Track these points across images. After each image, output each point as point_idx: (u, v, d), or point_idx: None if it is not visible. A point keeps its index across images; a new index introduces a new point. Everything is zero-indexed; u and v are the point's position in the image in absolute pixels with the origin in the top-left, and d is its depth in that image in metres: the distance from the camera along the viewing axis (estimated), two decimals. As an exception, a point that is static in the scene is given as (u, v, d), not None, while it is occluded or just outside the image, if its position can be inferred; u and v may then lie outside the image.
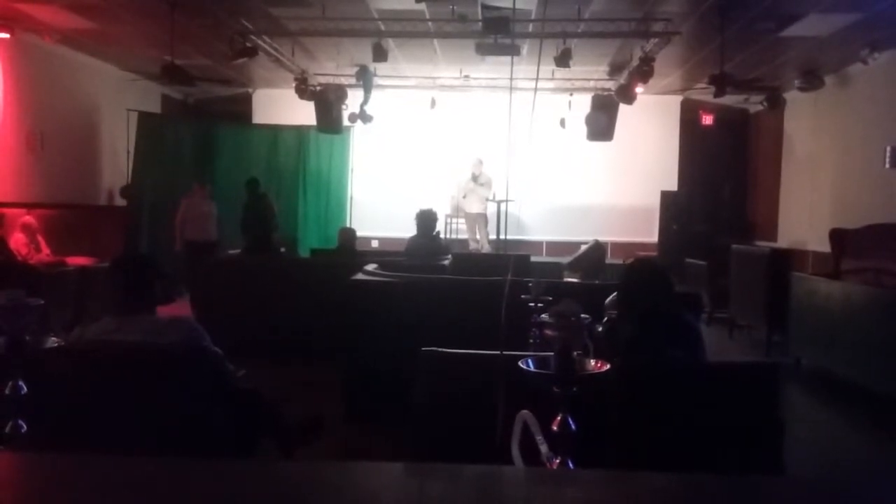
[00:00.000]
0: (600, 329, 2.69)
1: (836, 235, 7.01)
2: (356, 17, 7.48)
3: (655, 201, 11.20)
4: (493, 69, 9.83)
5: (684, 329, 2.80)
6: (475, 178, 10.52)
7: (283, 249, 8.19)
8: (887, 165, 7.88)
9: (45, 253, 7.35)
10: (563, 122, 10.63)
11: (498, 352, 1.72)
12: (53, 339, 1.71)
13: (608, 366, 1.36)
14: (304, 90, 9.89)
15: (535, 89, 8.93)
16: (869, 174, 8.28)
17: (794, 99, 10.17)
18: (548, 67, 8.61)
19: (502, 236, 10.12)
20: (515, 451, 1.43)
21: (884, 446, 4.56)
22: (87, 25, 7.79)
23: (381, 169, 11.69)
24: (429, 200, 9.89)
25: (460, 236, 10.90)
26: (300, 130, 11.00)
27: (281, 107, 11.21)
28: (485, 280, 4.29)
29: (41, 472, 1.09)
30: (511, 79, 9.48)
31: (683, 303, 3.39)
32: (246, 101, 11.99)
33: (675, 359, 2.65)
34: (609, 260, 9.97)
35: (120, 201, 10.11)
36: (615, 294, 2.96)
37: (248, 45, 7.81)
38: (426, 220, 6.85)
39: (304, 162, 11.17)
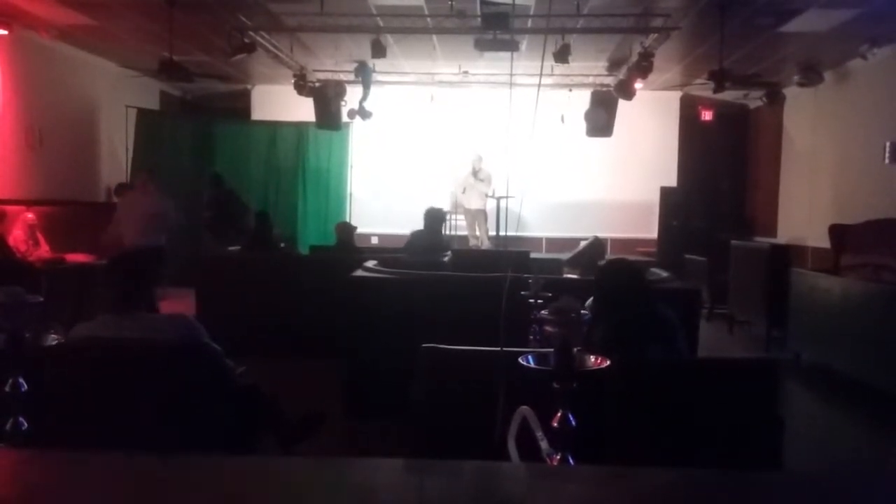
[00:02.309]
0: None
1: (836, 231, 7.01)
2: (355, 12, 7.47)
3: (655, 197, 11.19)
4: (491, 65, 9.82)
5: (662, 326, 2.81)
6: (475, 174, 10.51)
7: (282, 245, 8.19)
8: (887, 161, 7.88)
9: (45, 250, 7.35)
10: (562, 118, 10.63)
11: (498, 348, 1.72)
12: (53, 336, 1.70)
13: (608, 362, 1.36)
14: (302, 86, 9.87)
15: (539, 85, 8.88)
16: (868, 170, 8.28)
17: (794, 94, 10.16)
18: (546, 63, 8.59)
19: (502, 232, 10.12)
20: (512, 446, 1.43)
21: (883, 441, 4.57)
22: (86, 22, 7.77)
23: (381, 165, 11.69)
24: (428, 196, 9.89)
25: (460, 232, 10.90)
26: (299, 127, 10.99)
27: (280, 103, 11.19)
28: (484, 276, 4.28)
29: (42, 469, 1.09)
30: (511, 74, 9.47)
31: (668, 300, 3.40)
32: (245, 97, 11.97)
33: (655, 356, 2.66)
34: (608, 256, 9.97)
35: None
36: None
37: (247, 41, 7.79)
38: (434, 218, 6.85)
39: (304, 158, 11.16)
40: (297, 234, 10.77)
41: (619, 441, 2.20)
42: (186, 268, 7.01)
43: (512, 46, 7.86)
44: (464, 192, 10.64)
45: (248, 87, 11.87)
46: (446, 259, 6.23)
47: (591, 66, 9.90)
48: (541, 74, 8.88)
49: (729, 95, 10.53)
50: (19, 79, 8.08)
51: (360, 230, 8.45)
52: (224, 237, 7.87)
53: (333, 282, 4.79)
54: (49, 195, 8.31)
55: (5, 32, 7.56)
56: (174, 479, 1.03)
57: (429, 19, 7.70)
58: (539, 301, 2.77)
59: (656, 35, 7.63)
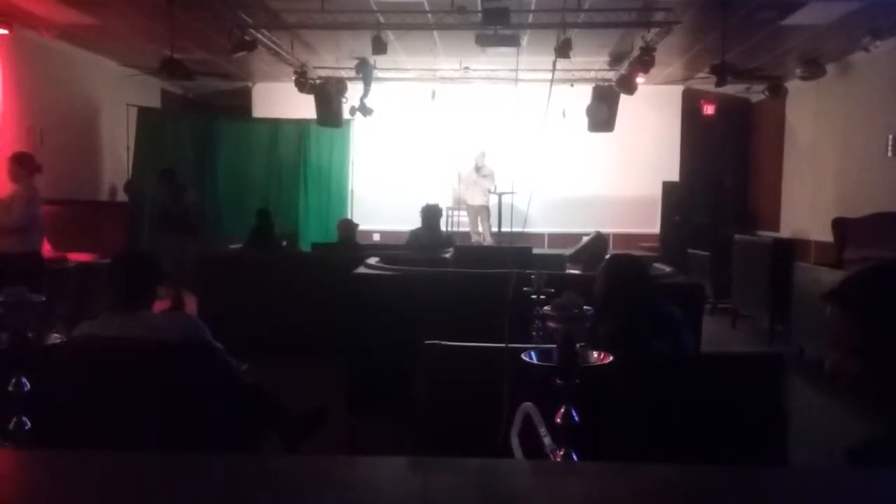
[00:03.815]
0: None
1: (839, 224, 7.00)
2: (355, 9, 7.46)
3: (657, 192, 11.17)
4: (493, 61, 9.80)
5: (667, 321, 2.81)
6: (478, 170, 10.50)
7: (284, 243, 8.19)
8: (889, 154, 7.86)
9: (46, 249, 7.34)
10: (564, 113, 10.61)
11: (502, 344, 1.71)
12: (56, 335, 1.70)
13: (611, 358, 1.36)
14: (303, 83, 9.86)
15: (552, 80, 8.88)
16: (871, 163, 8.25)
17: (796, 88, 10.14)
18: (548, 58, 8.59)
19: (505, 228, 10.11)
20: (515, 442, 1.43)
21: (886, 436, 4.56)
22: (86, 21, 7.77)
23: (382, 162, 11.68)
24: (430, 193, 9.88)
25: (462, 229, 10.89)
26: (300, 124, 10.99)
27: (281, 100, 11.19)
28: (487, 272, 4.28)
29: (45, 468, 1.09)
30: (517, 70, 9.45)
31: (671, 295, 3.39)
32: (245, 94, 11.97)
33: (659, 351, 2.66)
34: (611, 251, 9.96)
35: (122, 196, 10.13)
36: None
37: (247, 38, 7.79)
38: (431, 214, 6.87)
39: (305, 156, 11.15)
40: (299, 231, 10.77)
41: (622, 437, 2.20)
42: (187, 266, 7.02)
43: (513, 42, 7.85)
44: (466, 188, 10.64)
45: (249, 84, 11.86)
46: (448, 255, 6.23)
47: (592, 61, 9.88)
48: (553, 70, 8.88)
49: (731, 89, 10.50)
50: (20, 78, 8.07)
51: (361, 227, 8.45)
52: (173, 234, 7.84)
53: (335, 279, 4.79)
54: (50, 194, 8.27)
55: (6, 32, 7.56)
56: (177, 478, 1.03)
57: (429, 15, 7.69)
58: (542, 297, 2.77)
59: (658, 29, 7.60)
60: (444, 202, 10.16)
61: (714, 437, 2.31)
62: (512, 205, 9.92)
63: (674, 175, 11.50)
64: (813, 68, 9.10)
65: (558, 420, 1.30)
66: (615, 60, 9.71)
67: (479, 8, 7.13)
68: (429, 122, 11.50)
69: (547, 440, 1.35)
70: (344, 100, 10.49)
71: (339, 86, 10.31)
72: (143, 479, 1.03)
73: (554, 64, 8.45)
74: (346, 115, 10.63)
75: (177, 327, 2.71)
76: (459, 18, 7.53)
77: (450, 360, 2.44)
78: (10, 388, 1.45)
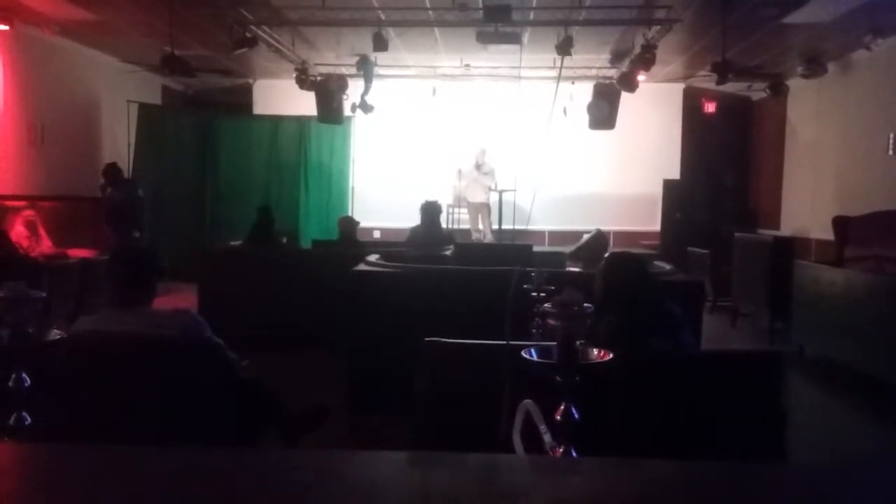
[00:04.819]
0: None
1: (839, 223, 6.99)
2: (356, 5, 7.45)
3: (658, 190, 11.17)
4: (493, 58, 9.79)
5: (666, 318, 2.81)
6: (479, 167, 10.51)
7: (284, 240, 8.20)
8: (890, 152, 7.85)
9: (47, 245, 7.35)
10: (565, 111, 10.61)
11: (502, 342, 1.72)
12: (56, 331, 1.70)
13: (611, 355, 1.36)
14: (304, 80, 9.86)
15: (559, 78, 8.89)
16: (872, 161, 8.24)
17: (797, 86, 10.13)
18: (549, 56, 8.58)
19: (506, 226, 10.10)
20: (516, 439, 1.43)
21: (886, 433, 4.56)
22: (87, 17, 7.76)
23: (383, 159, 11.67)
24: (431, 190, 9.88)
25: (462, 226, 10.89)
26: (301, 121, 10.98)
27: (282, 97, 11.18)
28: (488, 270, 4.28)
29: (45, 463, 1.10)
30: (520, 67, 9.45)
31: (671, 292, 3.39)
32: (246, 91, 11.96)
33: (658, 349, 2.66)
34: (612, 249, 9.94)
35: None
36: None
37: (248, 35, 7.78)
38: (430, 211, 6.87)
39: (306, 153, 11.15)
40: (299, 228, 10.76)
41: (622, 434, 2.20)
42: (189, 262, 7.03)
43: (514, 39, 7.84)
44: (467, 185, 10.63)
45: (250, 81, 11.85)
46: (449, 253, 6.23)
47: (593, 59, 9.87)
48: (561, 67, 8.88)
49: (732, 87, 10.49)
50: (21, 75, 8.07)
51: (362, 224, 8.45)
52: (124, 232, 7.82)
53: (336, 276, 4.79)
54: (51, 190, 8.31)
55: (7, 28, 7.55)
56: (177, 473, 1.03)
57: (430, 12, 7.68)
58: (542, 294, 2.77)
59: (659, 27, 7.60)
60: (445, 199, 10.16)
61: (713, 435, 2.31)
62: (514, 202, 9.91)
63: (674, 173, 11.49)
64: (814, 66, 9.09)
65: (558, 417, 1.30)
66: (616, 58, 9.70)
67: (481, 5, 7.12)
68: (429, 120, 11.49)
69: (547, 437, 1.35)
70: (345, 97, 10.48)
71: (339, 83, 10.30)
72: (142, 474, 1.03)
73: (561, 63, 8.44)
74: (346, 111, 10.62)
75: (177, 323, 2.71)
76: (460, 15, 7.53)
77: (450, 357, 2.44)
78: (11, 384, 1.46)
